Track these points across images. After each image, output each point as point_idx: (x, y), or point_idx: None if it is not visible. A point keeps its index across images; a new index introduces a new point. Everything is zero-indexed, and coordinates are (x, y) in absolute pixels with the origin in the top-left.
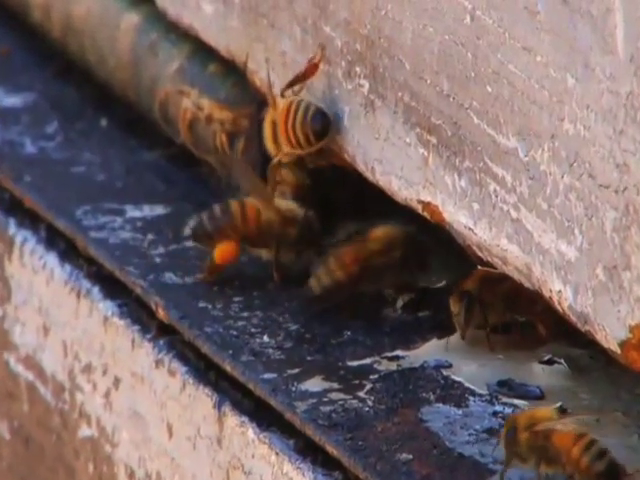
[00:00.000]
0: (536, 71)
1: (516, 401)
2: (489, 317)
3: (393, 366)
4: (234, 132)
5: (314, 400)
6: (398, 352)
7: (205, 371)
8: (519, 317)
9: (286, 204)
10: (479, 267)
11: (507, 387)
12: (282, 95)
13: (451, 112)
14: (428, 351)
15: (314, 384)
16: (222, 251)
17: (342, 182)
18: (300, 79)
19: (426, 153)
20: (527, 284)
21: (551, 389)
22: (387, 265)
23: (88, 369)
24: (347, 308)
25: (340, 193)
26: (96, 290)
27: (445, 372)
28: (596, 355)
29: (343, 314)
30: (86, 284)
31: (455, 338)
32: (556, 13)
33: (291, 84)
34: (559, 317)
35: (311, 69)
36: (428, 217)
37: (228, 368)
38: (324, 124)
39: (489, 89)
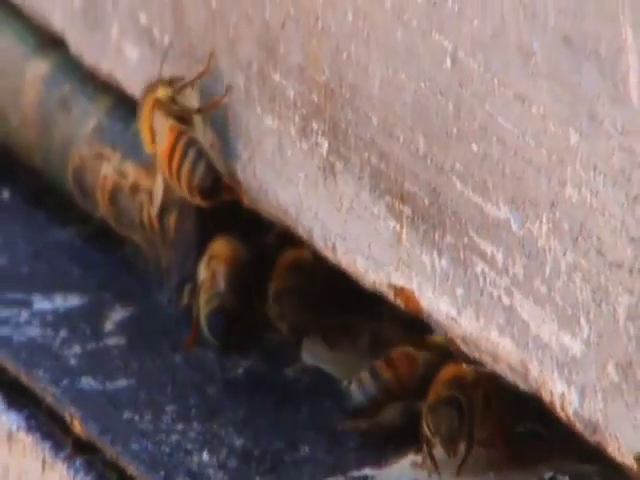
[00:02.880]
0: (532, 125)
1: None
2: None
3: None
4: (165, 204)
5: None
6: (367, 471)
7: None
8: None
9: None
10: (451, 365)
11: None
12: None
13: (429, 176)
14: (404, 469)
15: None
16: None
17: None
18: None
19: (399, 227)
20: (523, 385)
21: None
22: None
23: None
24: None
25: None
26: None
27: None
28: (608, 472)
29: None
30: None
31: (437, 452)
32: (556, 54)
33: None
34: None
35: (201, 74)
36: (402, 305)
37: None
38: (214, 187)
39: (475, 148)
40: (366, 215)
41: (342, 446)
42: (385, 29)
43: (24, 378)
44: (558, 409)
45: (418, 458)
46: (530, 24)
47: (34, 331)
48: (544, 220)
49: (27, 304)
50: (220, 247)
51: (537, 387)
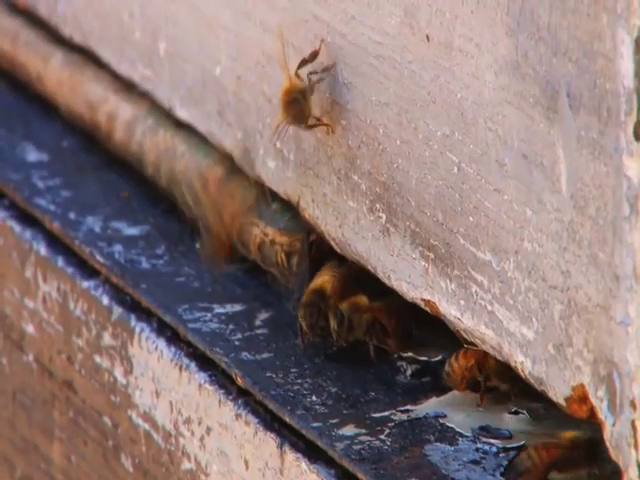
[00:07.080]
0: (504, 206)
1: (492, 440)
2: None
3: (405, 417)
4: (290, 252)
5: (348, 441)
6: (408, 407)
7: (271, 422)
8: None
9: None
10: (469, 346)
11: (485, 431)
12: (296, 74)
13: (444, 236)
14: (429, 406)
15: (348, 430)
16: None
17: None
18: (306, 61)
19: (427, 265)
20: (499, 357)
21: (517, 432)
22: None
23: (188, 421)
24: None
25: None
26: (193, 365)
27: (441, 420)
28: (549, 407)
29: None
30: (186, 360)
31: (449, 396)
32: (518, 164)
33: (300, 66)
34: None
35: (313, 54)
36: (429, 311)
37: (287, 419)
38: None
39: (471, 219)
40: (408, 258)
41: (394, 392)
42: (419, 150)
43: (208, 352)
44: (520, 371)
45: (439, 399)
46: (503, 148)
47: (214, 325)
48: (511, 261)
49: (210, 309)
50: (317, 277)
51: (508, 358)
